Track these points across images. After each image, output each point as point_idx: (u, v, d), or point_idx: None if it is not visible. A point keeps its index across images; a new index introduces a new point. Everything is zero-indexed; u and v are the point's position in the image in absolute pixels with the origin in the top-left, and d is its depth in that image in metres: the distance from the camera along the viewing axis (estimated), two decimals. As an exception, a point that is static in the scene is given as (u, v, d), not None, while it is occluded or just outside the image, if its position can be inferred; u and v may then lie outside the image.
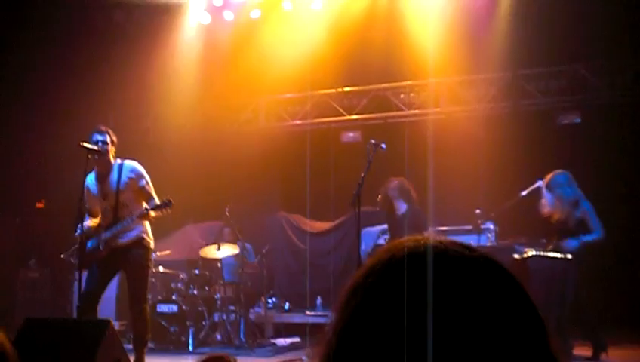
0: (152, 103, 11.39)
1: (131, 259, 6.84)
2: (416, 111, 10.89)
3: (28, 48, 10.47)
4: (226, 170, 11.30)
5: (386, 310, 0.90)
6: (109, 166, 6.94)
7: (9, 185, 10.76)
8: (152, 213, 6.79)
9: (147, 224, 7.00)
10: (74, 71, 10.67)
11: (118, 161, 6.99)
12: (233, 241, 9.90)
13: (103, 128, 6.98)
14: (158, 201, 6.86)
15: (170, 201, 6.79)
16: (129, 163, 6.99)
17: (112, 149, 6.96)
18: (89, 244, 6.85)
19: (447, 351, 0.86)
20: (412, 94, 10.98)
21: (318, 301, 10.40)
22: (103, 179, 6.96)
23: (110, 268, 6.91)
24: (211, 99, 11.86)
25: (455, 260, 0.93)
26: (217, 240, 9.87)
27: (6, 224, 10.90)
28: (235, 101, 11.99)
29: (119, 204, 6.88)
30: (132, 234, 6.87)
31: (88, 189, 6.95)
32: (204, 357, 2.63)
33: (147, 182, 6.90)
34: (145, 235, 6.94)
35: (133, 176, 6.90)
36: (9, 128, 10.94)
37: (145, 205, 6.88)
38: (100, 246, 6.82)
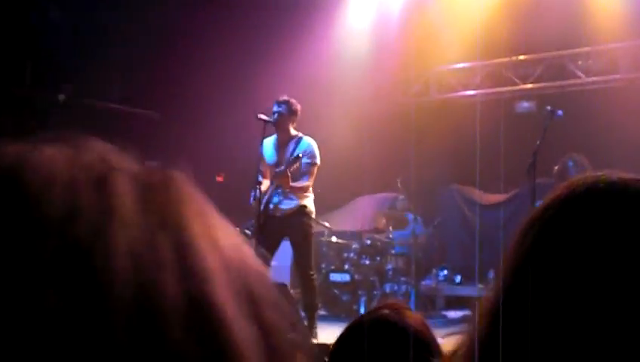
0: (324, 77, 11.57)
1: (294, 227, 7.05)
2: (596, 78, 10.42)
3: (203, 24, 10.94)
4: (398, 142, 11.31)
5: (565, 243, 0.91)
6: (287, 136, 7.17)
7: (191, 159, 11.24)
8: (289, 173, 6.87)
9: (309, 194, 7.15)
10: (249, 46, 11.02)
11: (299, 134, 7.18)
12: (406, 210, 9.93)
13: (282, 99, 7.18)
14: (309, 182, 7.00)
15: (296, 157, 6.87)
16: (307, 140, 7.17)
17: (290, 119, 7.14)
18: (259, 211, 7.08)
19: (625, 286, 0.86)
20: (590, 61, 10.51)
21: (490, 274, 10.24)
22: (281, 147, 7.20)
23: (275, 235, 7.13)
24: (382, 71, 11.89)
25: (636, 196, 0.92)
26: (390, 211, 9.95)
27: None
28: (406, 73, 11.97)
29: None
30: (293, 203, 7.06)
31: (263, 155, 7.19)
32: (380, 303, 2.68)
33: (312, 163, 7.02)
34: (307, 203, 7.10)
35: (304, 152, 7.07)
36: (189, 104, 11.47)
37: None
38: (261, 211, 7.04)
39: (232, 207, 8.63)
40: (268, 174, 7.32)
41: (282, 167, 6.89)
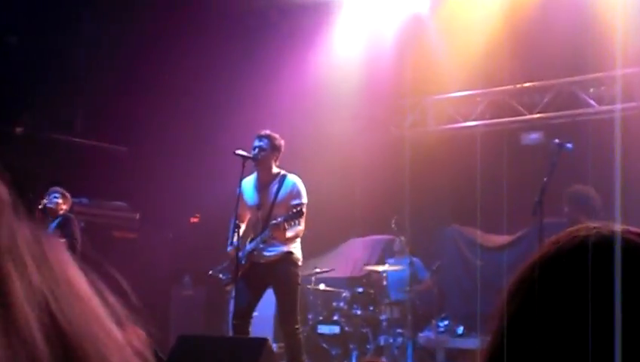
0: (309, 108, 11.60)
1: (279, 275, 7.02)
2: (608, 106, 10.50)
3: (175, 49, 10.99)
4: (392, 178, 11.33)
5: (554, 303, 0.95)
6: (269, 174, 7.14)
7: (164, 200, 11.27)
8: (286, 225, 6.84)
9: (297, 239, 7.12)
10: (228, 74, 11.07)
11: (282, 172, 7.16)
12: (404, 253, 9.93)
13: (264, 133, 7.17)
14: (302, 227, 6.96)
15: (299, 210, 6.84)
16: (291, 178, 7.15)
17: (273, 156, 7.13)
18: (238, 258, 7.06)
19: (625, 344, 0.89)
20: (603, 87, 10.60)
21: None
22: (262, 187, 7.17)
23: (258, 283, 7.11)
24: (375, 101, 11.95)
25: (629, 249, 0.96)
26: (383, 255, 9.94)
27: (160, 240, 11.41)
28: (400, 102, 12.03)
29: (271, 217, 7.05)
30: (279, 249, 7.03)
31: (242, 195, 7.17)
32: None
33: (301, 203, 6.98)
34: (293, 250, 7.07)
35: (290, 192, 7.05)
36: (160, 137, 11.48)
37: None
38: (242, 261, 7.00)
39: (208, 248, 8.63)
40: (247, 217, 7.30)
41: (280, 219, 6.85)
